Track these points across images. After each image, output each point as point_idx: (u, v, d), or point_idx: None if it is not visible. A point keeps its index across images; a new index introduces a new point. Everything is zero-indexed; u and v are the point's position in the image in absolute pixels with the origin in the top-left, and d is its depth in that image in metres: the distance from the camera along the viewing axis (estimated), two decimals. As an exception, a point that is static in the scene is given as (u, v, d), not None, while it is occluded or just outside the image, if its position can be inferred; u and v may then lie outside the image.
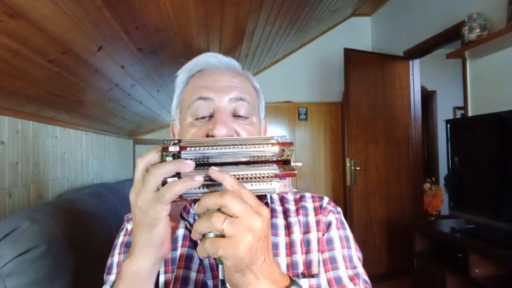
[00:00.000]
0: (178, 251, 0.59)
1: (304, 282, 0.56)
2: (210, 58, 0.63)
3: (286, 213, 0.64)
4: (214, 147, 0.41)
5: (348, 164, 3.01)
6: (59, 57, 1.15)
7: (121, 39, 1.32)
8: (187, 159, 0.41)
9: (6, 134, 1.33)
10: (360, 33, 3.90)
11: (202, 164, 0.42)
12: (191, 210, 0.62)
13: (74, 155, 1.97)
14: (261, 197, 0.60)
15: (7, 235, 0.88)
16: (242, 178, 0.42)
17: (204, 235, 0.39)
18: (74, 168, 1.98)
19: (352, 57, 3.04)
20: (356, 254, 0.61)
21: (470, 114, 2.34)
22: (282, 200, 0.67)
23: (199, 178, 0.39)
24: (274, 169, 0.42)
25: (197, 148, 0.41)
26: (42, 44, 1.03)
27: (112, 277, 0.61)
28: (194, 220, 0.61)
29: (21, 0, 0.81)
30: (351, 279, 0.57)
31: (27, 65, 1.10)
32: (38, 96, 1.37)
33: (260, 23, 2.21)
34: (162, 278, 0.57)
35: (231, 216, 0.37)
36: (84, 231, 1.21)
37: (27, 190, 1.46)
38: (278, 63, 3.93)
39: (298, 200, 0.67)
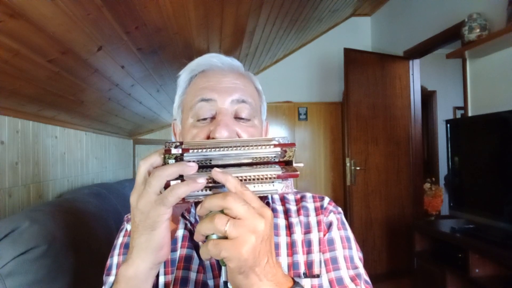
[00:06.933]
0: (178, 252, 0.59)
1: (306, 282, 0.56)
2: (213, 59, 0.63)
3: (287, 213, 0.64)
4: (216, 149, 0.41)
5: (348, 164, 3.02)
6: (59, 57, 1.15)
7: (121, 39, 1.31)
8: (189, 161, 0.40)
9: (6, 134, 1.33)
10: (360, 33, 3.90)
11: (204, 166, 0.42)
12: (192, 210, 0.62)
13: (74, 155, 1.97)
14: (262, 197, 0.60)
15: (7, 235, 0.88)
16: (245, 180, 0.42)
17: (207, 237, 0.39)
18: (74, 168, 1.98)
19: (352, 57, 3.04)
20: (357, 254, 0.61)
21: (470, 114, 2.34)
22: (283, 200, 0.67)
23: (202, 180, 0.39)
24: (276, 170, 0.42)
25: (199, 150, 0.41)
26: (42, 44, 1.03)
27: (111, 278, 0.61)
28: (195, 220, 0.61)
29: (21, 0, 0.81)
30: (353, 279, 0.57)
31: (27, 65, 1.10)
32: (38, 96, 1.36)
33: (260, 23, 2.20)
34: (162, 280, 0.57)
35: (234, 218, 0.37)
36: (84, 231, 1.21)
37: (27, 190, 1.46)
38: (278, 63, 3.94)
39: (299, 200, 0.67)
